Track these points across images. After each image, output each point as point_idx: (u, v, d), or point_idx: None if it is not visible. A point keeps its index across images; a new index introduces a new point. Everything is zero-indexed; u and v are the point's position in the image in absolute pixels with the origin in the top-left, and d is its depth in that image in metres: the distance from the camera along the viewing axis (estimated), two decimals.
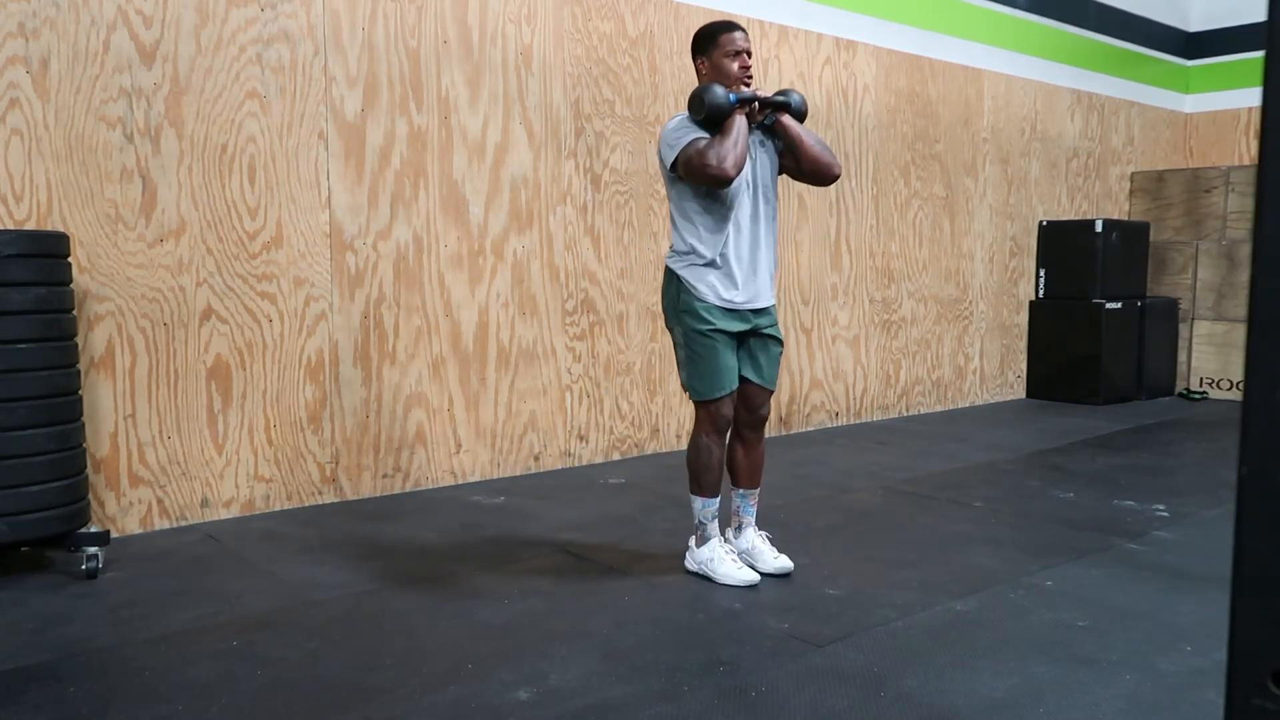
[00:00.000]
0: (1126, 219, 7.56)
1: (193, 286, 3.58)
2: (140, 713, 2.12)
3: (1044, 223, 6.99)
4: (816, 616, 2.70)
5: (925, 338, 6.34)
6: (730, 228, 2.89)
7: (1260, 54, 0.78)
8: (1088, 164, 7.42)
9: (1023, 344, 7.06)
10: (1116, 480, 4.40)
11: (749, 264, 2.93)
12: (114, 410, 3.45)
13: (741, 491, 3.13)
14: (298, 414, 3.85)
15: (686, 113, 2.89)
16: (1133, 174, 7.76)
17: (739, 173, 2.77)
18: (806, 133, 2.95)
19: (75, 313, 3.14)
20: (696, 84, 2.96)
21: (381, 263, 4.02)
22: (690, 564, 3.06)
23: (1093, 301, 6.68)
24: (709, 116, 2.80)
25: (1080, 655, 2.44)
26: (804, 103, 2.98)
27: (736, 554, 3.04)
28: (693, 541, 3.07)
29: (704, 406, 2.95)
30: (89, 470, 3.30)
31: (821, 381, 5.72)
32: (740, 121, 2.80)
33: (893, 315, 6.11)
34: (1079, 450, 5.11)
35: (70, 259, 3.12)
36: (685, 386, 2.99)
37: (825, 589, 2.93)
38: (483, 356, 4.34)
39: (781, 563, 3.04)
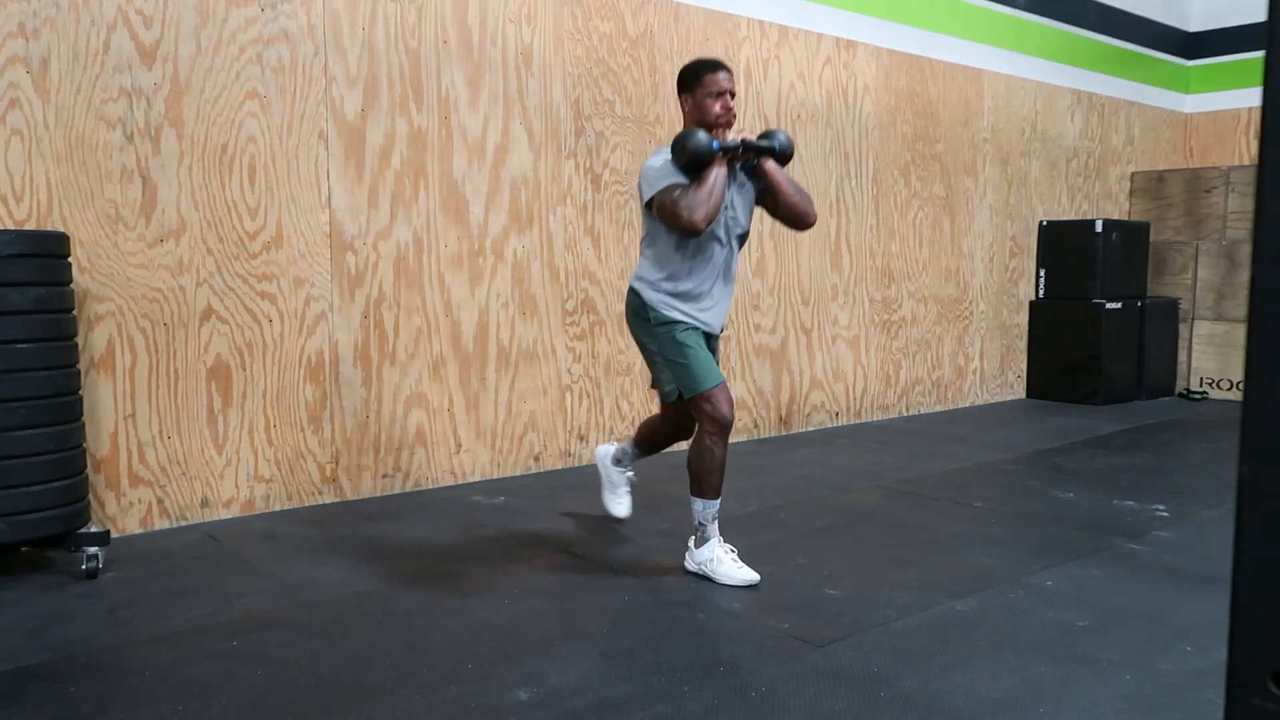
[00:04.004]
0: (1126, 219, 7.56)
1: (193, 286, 3.58)
2: (140, 713, 2.12)
3: (1044, 223, 6.99)
4: (816, 616, 2.70)
5: (925, 338, 6.34)
6: (703, 265, 2.99)
7: (1260, 54, 0.78)
8: (1088, 164, 7.42)
9: (1023, 344, 7.06)
10: (1116, 480, 4.40)
11: (719, 296, 3.06)
12: (114, 410, 3.45)
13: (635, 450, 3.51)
14: (298, 414, 3.85)
15: (670, 152, 2.92)
16: (1133, 174, 7.76)
17: (709, 225, 2.83)
18: (787, 179, 3.01)
19: (75, 313, 3.14)
20: (684, 112, 3.03)
21: (381, 263, 4.02)
22: (690, 564, 3.07)
23: (1093, 301, 6.68)
24: (690, 163, 2.83)
25: (1080, 655, 2.44)
26: (789, 145, 3.00)
27: (735, 553, 3.05)
28: (692, 542, 3.07)
29: (701, 402, 2.95)
30: (89, 470, 3.30)
31: (821, 381, 5.72)
32: (718, 173, 2.83)
33: (893, 315, 6.11)
34: (1079, 450, 5.11)
35: (70, 259, 3.12)
36: (673, 391, 3.04)
37: (825, 589, 2.93)
38: (483, 356, 4.34)
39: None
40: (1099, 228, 6.67)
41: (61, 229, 3.29)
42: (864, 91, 5.79)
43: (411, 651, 2.46)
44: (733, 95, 2.96)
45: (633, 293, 3.08)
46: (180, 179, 3.53)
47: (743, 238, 3.10)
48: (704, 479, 2.99)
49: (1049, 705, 2.16)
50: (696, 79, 2.97)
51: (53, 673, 2.33)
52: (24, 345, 2.88)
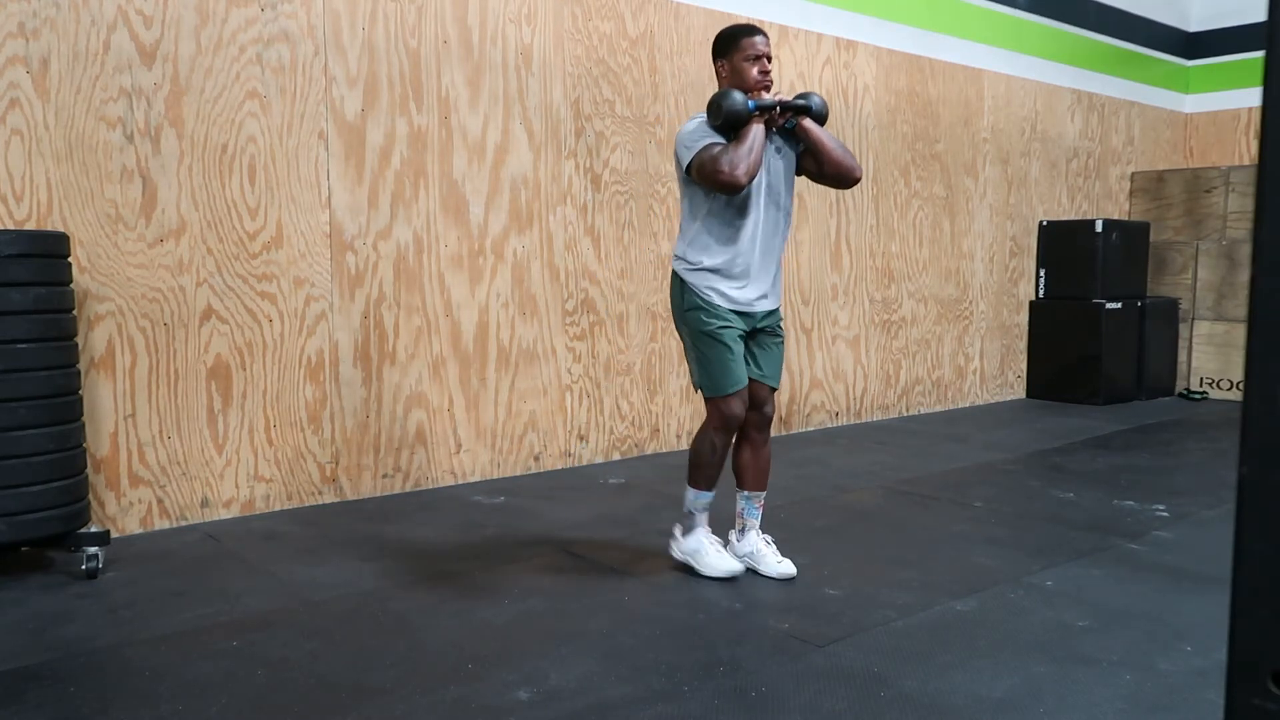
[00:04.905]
0: (1126, 219, 7.56)
1: (193, 286, 3.58)
2: (140, 713, 2.12)
3: (1044, 223, 6.99)
4: (816, 616, 2.70)
5: (925, 338, 6.34)
6: (741, 234, 2.89)
7: (1260, 54, 0.78)
8: (1088, 164, 7.42)
9: (1023, 344, 7.06)
10: (1116, 480, 4.40)
11: (758, 269, 2.92)
12: (114, 410, 3.45)
13: (747, 494, 3.11)
14: (298, 414, 3.85)
15: (705, 115, 2.88)
16: (1133, 174, 7.76)
17: (751, 180, 2.75)
18: (828, 136, 2.94)
19: (75, 313, 3.14)
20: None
21: (381, 263, 4.02)
22: (675, 552, 3.07)
23: (1093, 301, 6.68)
24: (726, 122, 2.78)
25: (1080, 655, 2.44)
26: (825, 106, 2.96)
27: (722, 545, 3.04)
28: (678, 530, 3.07)
29: (714, 403, 2.93)
30: (89, 470, 3.30)
31: (821, 381, 5.72)
32: (757, 129, 2.78)
33: (893, 315, 6.11)
34: (1079, 450, 5.11)
35: (70, 259, 3.11)
36: (696, 385, 2.99)
37: (825, 589, 2.93)
38: (483, 356, 4.34)
39: (784, 568, 3.03)
40: (1099, 228, 6.67)
41: (61, 229, 3.29)
42: (864, 91, 5.78)
43: (411, 651, 2.46)
44: (769, 60, 2.91)
45: (673, 276, 2.98)
46: (180, 179, 3.53)
47: (785, 211, 2.98)
48: (702, 469, 2.98)
49: (1049, 705, 2.16)
50: (734, 43, 2.90)
51: (53, 673, 2.33)
52: (24, 345, 2.88)
